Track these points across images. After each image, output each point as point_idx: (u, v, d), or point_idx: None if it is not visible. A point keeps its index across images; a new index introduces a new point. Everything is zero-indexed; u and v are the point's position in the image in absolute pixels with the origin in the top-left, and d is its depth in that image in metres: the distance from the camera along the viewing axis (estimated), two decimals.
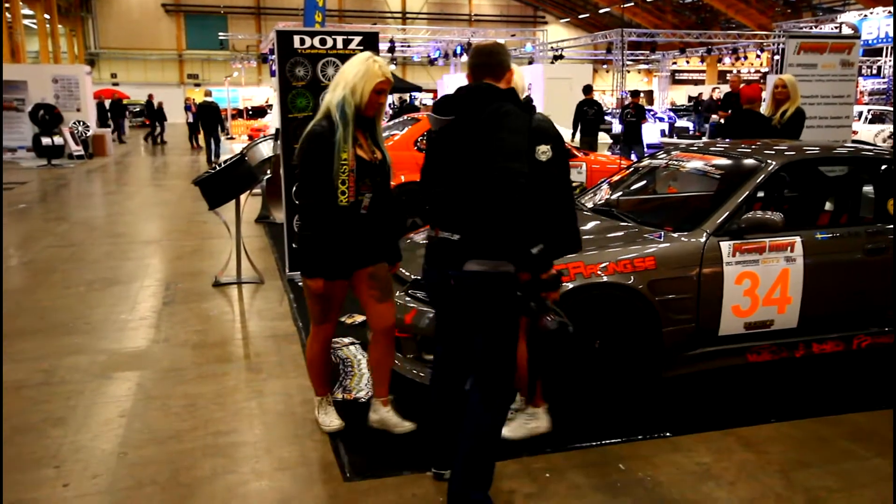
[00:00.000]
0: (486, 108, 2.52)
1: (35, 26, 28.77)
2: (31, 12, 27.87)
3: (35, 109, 17.53)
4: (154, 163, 19.21)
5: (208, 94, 19.24)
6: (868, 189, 4.30)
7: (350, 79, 3.02)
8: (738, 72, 17.98)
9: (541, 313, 2.52)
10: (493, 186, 2.37)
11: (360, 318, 5.07)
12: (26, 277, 6.46)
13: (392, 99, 26.78)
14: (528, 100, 2.96)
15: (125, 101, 31.71)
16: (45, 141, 17.24)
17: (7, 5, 21.53)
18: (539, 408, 3.36)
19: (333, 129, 2.97)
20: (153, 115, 26.08)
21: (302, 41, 6.04)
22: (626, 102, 18.02)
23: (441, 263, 2.64)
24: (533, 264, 2.49)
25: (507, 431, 3.30)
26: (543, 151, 2.69)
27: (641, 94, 16.55)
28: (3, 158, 15.62)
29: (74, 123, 18.68)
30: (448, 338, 2.86)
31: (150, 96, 26.75)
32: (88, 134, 19.13)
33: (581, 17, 44.93)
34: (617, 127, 17.21)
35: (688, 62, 35.91)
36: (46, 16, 28.31)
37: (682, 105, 30.45)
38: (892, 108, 19.35)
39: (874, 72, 29.62)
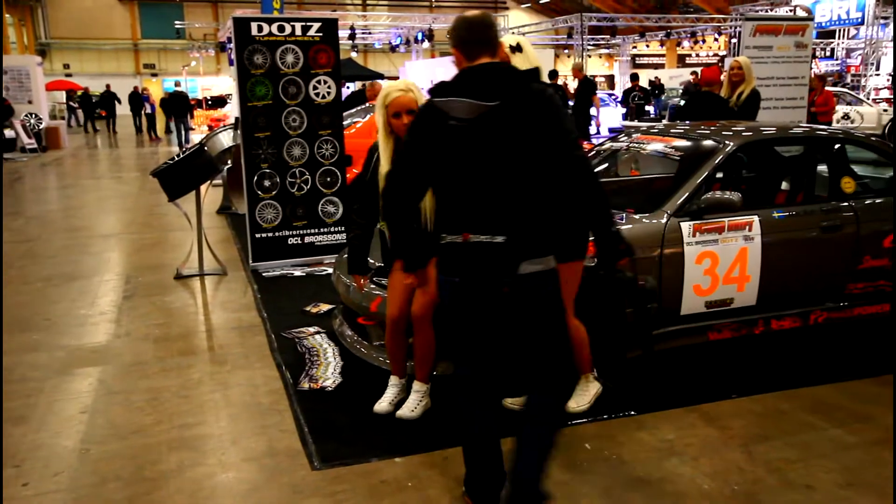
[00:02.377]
0: (529, 93, 2.29)
1: None
2: None
3: None
4: (111, 155, 18.82)
5: (178, 84, 20.06)
6: (822, 168, 4.39)
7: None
8: (580, 59, 18.49)
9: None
10: (568, 174, 2.30)
11: (325, 308, 5.05)
12: None
13: (355, 86, 26.56)
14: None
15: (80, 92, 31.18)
16: None
17: None
18: (591, 373, 3.51)
19: None
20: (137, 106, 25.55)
21: (260, 28, 5.96)
22: (630, 86, 18.85)
23: (482, 270, 2.31)
24: (615, 239, 2.43)
25: (573, 404, 3.45)
26: None
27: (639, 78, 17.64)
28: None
29: (26, 116, 18.25)
30: (480, 352, 2.51)
31: (135, 87, 26.53)
32: (41, 126, 18.70)
33: (542, 1, 45.11)
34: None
35: (647, 46, 36.42)
36: None
37: (627, 89, 31.03)
38: (848, 91, 19.97)
39: (827, 54, 30.42)
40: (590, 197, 2.33)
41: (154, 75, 42.05)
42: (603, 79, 40.94)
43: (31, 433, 3.34)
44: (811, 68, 10.97)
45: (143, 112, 24.77)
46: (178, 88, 19.87)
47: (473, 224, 2.30)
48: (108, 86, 29.04)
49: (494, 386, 2.55)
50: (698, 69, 18.36)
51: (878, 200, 4.22)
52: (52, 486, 2.91)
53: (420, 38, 28.68)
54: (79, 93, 31.17)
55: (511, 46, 3.12)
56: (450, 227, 2.36)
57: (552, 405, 2.48)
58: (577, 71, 13.54)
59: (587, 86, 13.16)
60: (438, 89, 2.36)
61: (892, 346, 4.18)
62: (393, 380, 3.54)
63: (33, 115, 18.50)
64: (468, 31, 2.39)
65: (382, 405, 3.47)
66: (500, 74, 2.31)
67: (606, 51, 42.95)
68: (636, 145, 4.69)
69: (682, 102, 10.01)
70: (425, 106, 2.39)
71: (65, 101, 33.39)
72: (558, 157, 2.27)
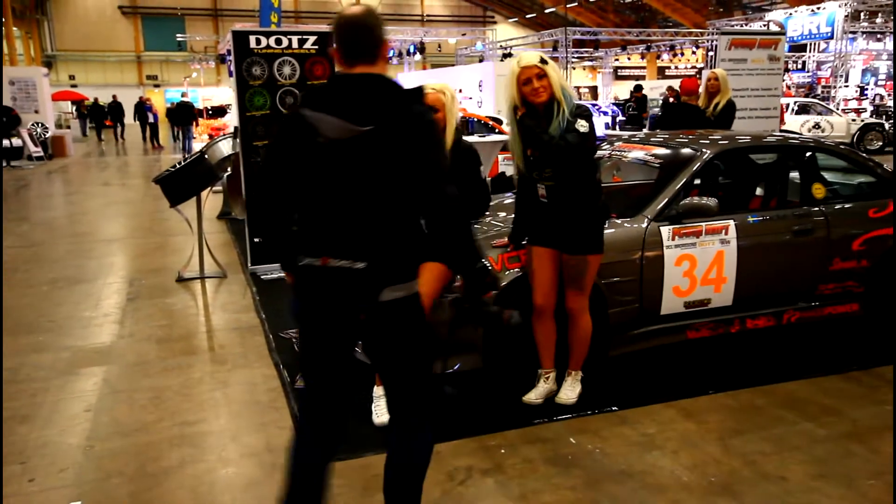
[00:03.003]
0: (407, 117, 2.05)
1: None
2: None
3: None
4: (115, 163, 18.95)
5: (185, 95, 21.34)
6: (795, 175, 4.53)
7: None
8: None
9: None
10: (434, 211, 2.10)
11: None
12: None
13: None
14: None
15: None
16: (3, 143, 16.98)
17: None
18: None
19: None
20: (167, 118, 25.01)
21: (258, 41, 6.12)
22: (629, 97, 19.23)
23: (340, 296, 2.11)
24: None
25: (565, 396, 3.64)
26: (583, 125, 3.23)
27: (643, 88, 17.96)
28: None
29: (33, 125, 18.50)
30: (323, 375, 2.27)
31: (140, 97, 26.82)
32: (47, 135, 18.93)
33: (528, 16, 45.85)
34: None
35: (629, 59, 37.04)
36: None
37: (625, 99, 31.55)
38: (819, 101, 20.39)
39: (799, 66, 31.26)
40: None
41: (157, 86, 42.36)
42: (587, 89, 41.60)
43: (36, 431, 3.43)
44: (783, 80, 11.30)
45: (146, 121, 25.04)
46: (184, 99, 20.67)
47: (334, 248, 2.08)
48: (114, 96, 29.35)
49: (335, 403, 2.30)
50: (674, 82, 18.80)
51: (847, 205, 4.36)
52: (58, 482, 2.99)
53: (412, 50, 29.07)
54: (87, 102, 31.54)
55: (541, 59, 3.27)
56: (309, 249, 2.12)
57: (414, 432, 2.29)
58: None
59: None
60: (310, 98, 2.14)
61: (893, 341, 4.31)
62: (377, 391, 3.49)
63: (40, 125, 18.77)
64: (346, 33, 2.08)
65: (383, 419, 3.35)
66: (378, 92, 2.05)
67: (590, 63, 43.54)
68: (618, 153, 4.84)
69: (660, 113, 10.31)
70: (293, 116, 2.12)
71: (70, 110, 33.72)
72: (424, 191, 2.07)
